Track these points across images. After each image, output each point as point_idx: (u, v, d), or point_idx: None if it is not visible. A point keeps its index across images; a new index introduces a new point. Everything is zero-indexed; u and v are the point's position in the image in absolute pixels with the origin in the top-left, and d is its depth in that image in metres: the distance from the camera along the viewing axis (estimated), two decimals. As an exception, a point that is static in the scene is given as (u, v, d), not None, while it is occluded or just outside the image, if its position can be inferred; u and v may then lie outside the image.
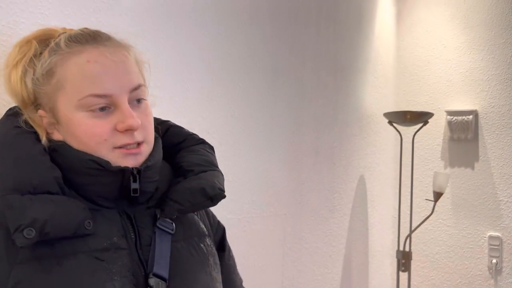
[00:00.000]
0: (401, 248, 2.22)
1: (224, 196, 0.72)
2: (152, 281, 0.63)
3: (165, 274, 0.64)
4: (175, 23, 1.28)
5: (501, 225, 2.42)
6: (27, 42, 0.69)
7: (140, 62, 0.73)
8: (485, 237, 2.46)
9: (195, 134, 0.79)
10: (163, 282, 0.64)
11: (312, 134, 1.88)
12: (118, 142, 0.64)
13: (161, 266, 0.65)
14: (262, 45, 1.60)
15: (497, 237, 2.42)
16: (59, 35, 0.68)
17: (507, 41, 2.44)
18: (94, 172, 0.63)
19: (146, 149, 0.68)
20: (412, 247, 2.25)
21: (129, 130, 0.64)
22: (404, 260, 2.20)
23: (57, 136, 0.67)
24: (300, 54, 1.80)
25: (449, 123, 2.52)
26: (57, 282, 0.58)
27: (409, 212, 2.24)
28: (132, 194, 0.65)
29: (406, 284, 2.19)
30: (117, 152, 0.65)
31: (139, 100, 0.68)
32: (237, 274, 0.87)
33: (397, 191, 2.31)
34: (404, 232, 2.25)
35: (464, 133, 2.51)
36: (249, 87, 1.56)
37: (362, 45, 2.35)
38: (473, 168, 2.52)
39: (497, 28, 2.47)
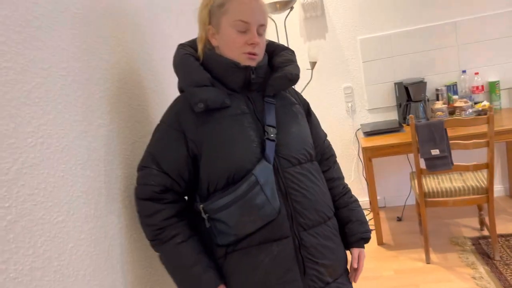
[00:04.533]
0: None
1: (298, 78, 1.18)
2: (267, 127, 1.11)
3: (274, 124, 1.12)
4: None
5: (350, 77, 3.23)
6: None
7: (268, 12, 1.16)
8: (341, 88, 3.26)
9: (281, 44, 1.26)
10: (274, 128, 1.11)
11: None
12: (245, 50, 1.09)
13: (270, 120, 1.12)
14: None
15: (349, 87, 3.24)
16: None
17: None
18: (231, 69, 1.10)
19: (258, 59, 1.13)
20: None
21: (252, 44, 1.09)
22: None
23: (214, 42, 1.13)
24: None
25: (302, 5, 3.11)
26: (217, 129, 1.07)
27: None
28: (252, 81, 1.11)
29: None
30: (244, 55, 1.10)
31: (259, 33, 1.11)
32: (321, 130, 1.32)
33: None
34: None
35: (315, 12, 3.14)
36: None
37: None
38: (325, 38, 3.21)
39: None
